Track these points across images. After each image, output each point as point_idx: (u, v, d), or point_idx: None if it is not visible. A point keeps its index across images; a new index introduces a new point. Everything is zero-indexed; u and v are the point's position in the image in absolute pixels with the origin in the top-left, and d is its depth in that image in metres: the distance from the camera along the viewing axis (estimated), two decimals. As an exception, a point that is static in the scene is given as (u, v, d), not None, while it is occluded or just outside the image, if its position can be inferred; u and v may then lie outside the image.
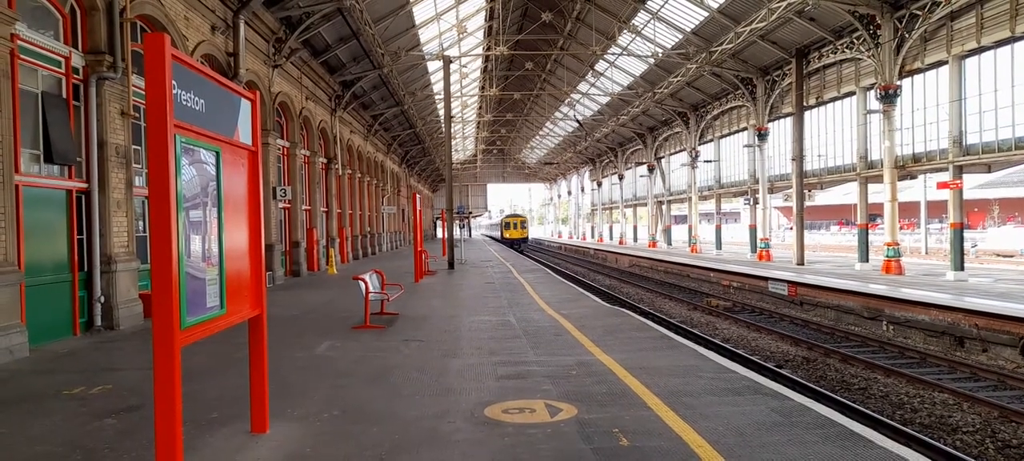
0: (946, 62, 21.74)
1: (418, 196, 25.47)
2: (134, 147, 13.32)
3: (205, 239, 4.93)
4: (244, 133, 5.69)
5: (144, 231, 13.93)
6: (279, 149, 24.06)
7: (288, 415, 6.47)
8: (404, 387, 7.65)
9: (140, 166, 13.89)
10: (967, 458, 8.07)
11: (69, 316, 11.66)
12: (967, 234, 31.59)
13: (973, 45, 20.55)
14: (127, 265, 12.67)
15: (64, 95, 11.69)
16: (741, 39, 27.80)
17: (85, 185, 11.99)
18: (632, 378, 7.79)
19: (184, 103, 4.58)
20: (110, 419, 6.50)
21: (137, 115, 13.38)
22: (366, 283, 12.22)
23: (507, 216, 72.82)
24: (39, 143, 11.02)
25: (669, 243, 51.46)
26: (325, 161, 30.22)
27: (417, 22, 30.70)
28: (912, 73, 23.31)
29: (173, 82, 4.33)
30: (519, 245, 65.44)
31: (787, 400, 6.87)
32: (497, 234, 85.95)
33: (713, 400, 6.85)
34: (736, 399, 6.88)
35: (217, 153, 5.10)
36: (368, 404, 6.92)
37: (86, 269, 11.99)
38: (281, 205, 23.60)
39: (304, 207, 26.58)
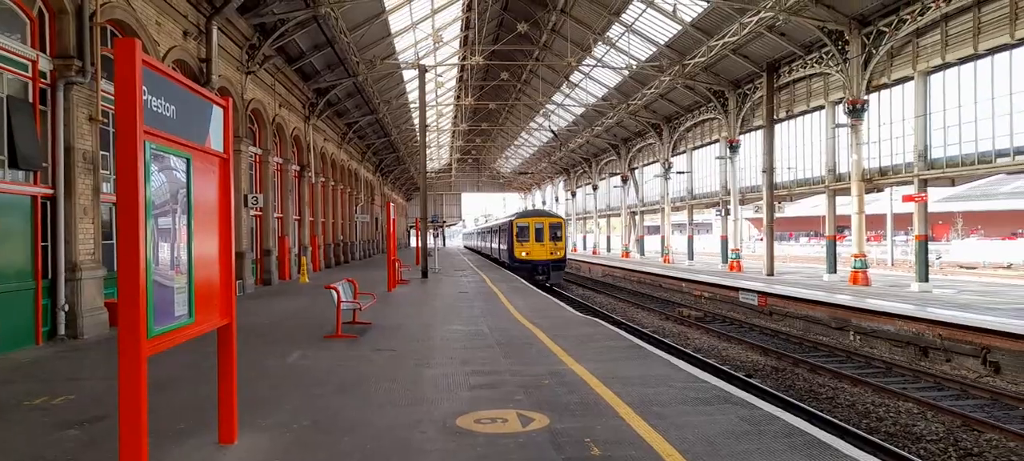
0: (912, 78, 22.25)
1: (392, 205, 25.36)
2: (102, 153, 13.10)
3: (174, 247, 4.87)
4: (215, 140, 5.63)
5: (111, 238, 13.69)
6: (251, 156, 23.81)
7: (257, 425, 6.39)
8: (376, 397, 7.61)
9: (108, 172, 13.66)
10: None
11: (32, 325, 11.40)
12: (932, 246, 32.27)
13: (938, 62, 21.07)
14: (93, 273, 12.44)
15: (30, 99, 11.47)
16: (714, 53, 28.19)
17: (51, 191, 11.76)
18: (604, 388, 7.83)
19: (154, 109, 4.53)
20: (73, 430, 6.37)
21: (106, 120, 13.17)
22: (338, 292, 12.14)
23: (522, 215, 34.97)
24: (3, 148, 10.79)
25: (642, 253, 51.81)
26: (298, 169, 29.98)
27: (393, 31, 30.65)
28: (879, 88, 23.82)
29: (143, 87, 4.29)
30: (545, 272, 32.48)
31: (756, 409, 6.95)
32: (486, 246, 54.03)
33: (684, 409, 6.91)
34: (706, 408, 6.95)
35: (187, 160, 5.05)
36: (339, 414, 6.87)
37: (50, 276, 11.74)
38: (253, 213, 23.34)
39: (276, 215, 26.31)
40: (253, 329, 13.08)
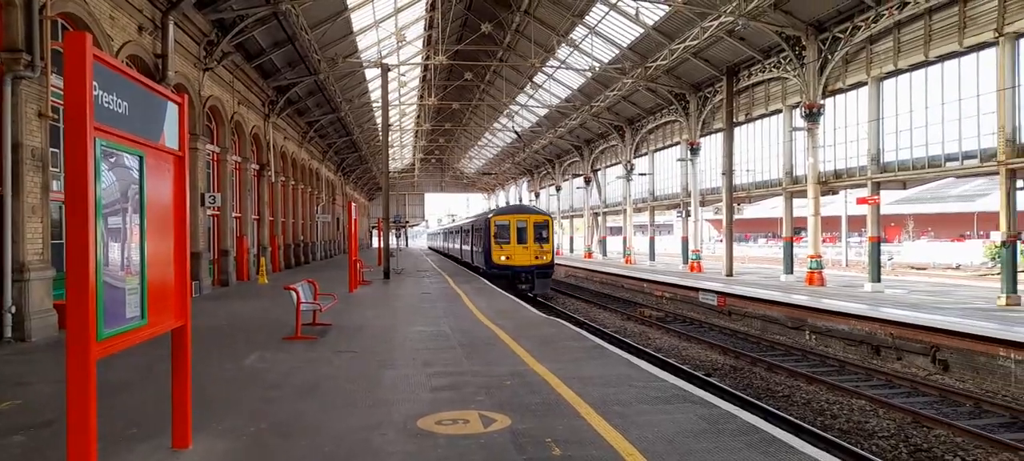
0: (866, 83, 22.83)
1: (354, 205, 25.12)
2: (52, 150, 12.71)
3: (125, 247, 4.74)
4: (170, 137, 5.50)
5: (61, 238, 13.28)
6: (209, 154, 23.36)
7: (213, 429, 6.26)
8: (336, 399, 7.52)
9: (58, 170, 13.26)
10: (882, 462, 8.44)
11: (-24, 327, 11.00)
12: (884, 247, 33.17)
13: (891, 68, 21.65)
14: (41, 273, 12.06)
15: (-25, 93, 11.07)
16: (675, 56, 28.54)
17: (-3, 189, 11.37)
18: (566, 388, 7.86)
19: (105, 105, 4.41)
20: (19, 436, 6.16)
21: (56, 116, 12.77)
22: (298, 293, 11.97)
23: (501, 212, 30.33)
24: (-54, 143, 10.39)
25: (604, 254, 52.20)
26: (257, 168, 29.50)
27: (355, 29, 30.34)
28: (835, 93, 24.39)
29: (94, 83, 4.17)
30: (529, 279, 27.44)
31: (714, 408, 7.05)
32: (454, 248, 47.34)
33: (644, 408, 6.97)
34: (666, 407, 7.03)
35: (140, 157, 4.93)
36: (298, 417, 6.77)
37: (-4, 277, 11.35)
38: (210, 212, 22.89)
39: (234, 214, 25.85)
40: (209, 331, 12.82)
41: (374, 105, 43.28)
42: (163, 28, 17.50)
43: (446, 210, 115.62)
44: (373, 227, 76.57)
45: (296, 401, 7.43)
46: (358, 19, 29.79)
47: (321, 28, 26.47)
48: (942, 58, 20.10)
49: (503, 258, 27.29)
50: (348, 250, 24.07)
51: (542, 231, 27.82)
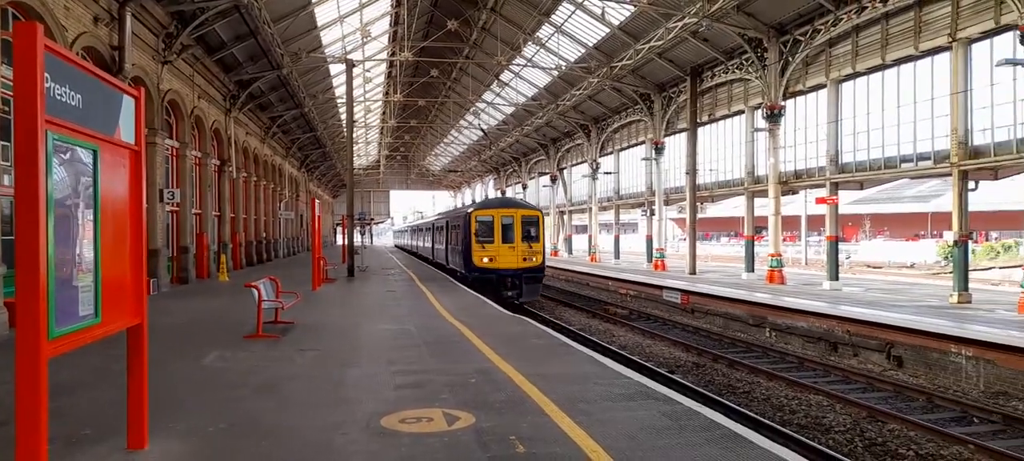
0: (825, 86, 23.31)
1: (317, 201, 24.84)
2: (1, 143, 12.32)
3: (79, 243, 4.61)
4: (126, 131, 5.37)
5: (11, 234, 12.87)
6: (168, 149, 22.87)
7: (170, 430, 6.14)
8: (297, 398, 7.42)
9: (8, 164, 12.86)
10: (838, 456, 8.64)
11: (-79, 326, 10.61)
12: (842, 247, 33.91)
13: (849, 71, 22.14)
14: (-9, 270, 11.68)
15: (-80, 83, 10.67)
16: (640, 56, 28.78)
17: (-57, 183, 10.97)
18: (530, 385, 7.87)
19: (58, 97, 4.28)
20: (-34, 438, 5.96)
21: (5, 109, 12.38)
22: (259, 290, 11.78)
23: (483, 205, 25.78)
24: None
25: (570, 252, 52.45)
26: (218, 163, 28.97)
27: (319, 23, 29.98)
28: (795, 95, 24.85)
29: (45, 75, 4.05)
30: (516, 286, 23.62)
31: (677, 404, 7.13)
32: (424, 246, 43.94)
33: (608, 406, 7.02)
34: (630, 404, 7.09)
35: (95, 152, 4.80)
36: (258, 416, 6.67)
37: (-57, 274, 10.96)
38: (169, 208, 22.42)
39: (194, 211, 25.35)
40: (168, 329, 12.56)
41: (339, 101, 42.82)
42: (120, 20, 17.07)
43: (412, 208, 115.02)
44: (337, 224, 75.47)
45: (256, 400, 7.32)
46: (322, 14, 29.45)
47: (284, 22, 26.10)
48: (898, 62, 20.62)
49: (486, 260, 23.42)
50: (312, 247, 23.78)
51: (531, 228, 24.00)
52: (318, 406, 7.06)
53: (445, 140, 71.58)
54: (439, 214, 42.99)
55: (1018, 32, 16.02)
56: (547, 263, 27.06)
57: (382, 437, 5.97)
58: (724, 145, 30.32)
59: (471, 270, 23.60)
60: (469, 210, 24.52)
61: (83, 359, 8.96)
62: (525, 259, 23.50)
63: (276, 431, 6.15)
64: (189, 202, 24.21)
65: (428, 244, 41.66)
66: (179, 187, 23.32)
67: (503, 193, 68.18)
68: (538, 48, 35.99)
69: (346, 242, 29.73)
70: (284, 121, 39.64)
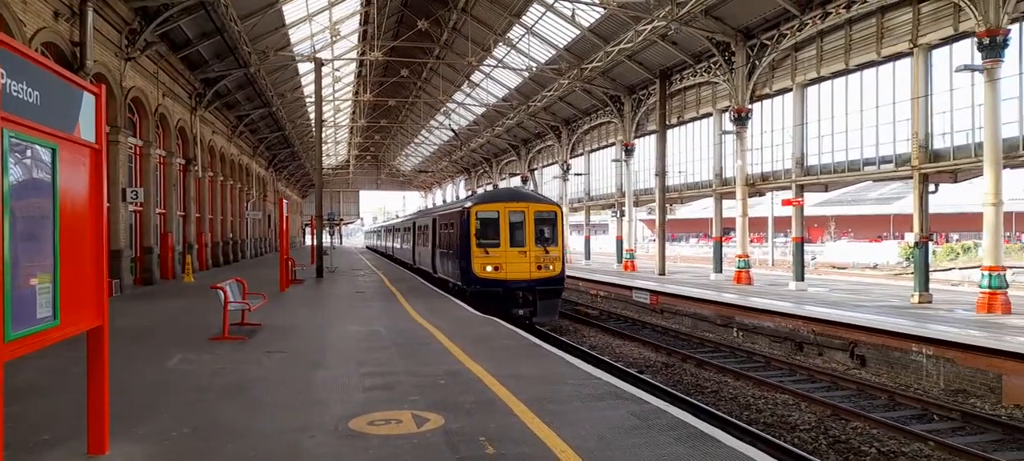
0: (791, 89, 23.70)
1: (285, 201, 24.54)
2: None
3: (37, 243, 4.49)
4: (87, 129, 5.24)
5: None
6: (131, 148, 22.43)
7: (132, 434, 6.01)
8: (265, 400, 7.32)
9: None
10: (804, 454, 8.78)
11: None
12: (807, 248, 34.52)
13: (814, 75, 22.53)
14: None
15: None
16: (610, 58, 28.97)
17: None
18: (500, 386, 7.86)
19: (14, 94, 4.16)
20: (-83, 445, 5.76)
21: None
22: (226, 292, 11.60)
23: (485, 199, 20.11)
24: None
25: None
26: (183, 162, 28.47)
27: (287, 21, 29.65)
28: (762, 98, 25.22)
29: (1, 70, 3.93)
30: (530, 302, 18.49)
31: (645, 404, 7.18)
32: (402, 248, 38.46)
33: (578, 406, 7.04)
34: (599, 405, 7.12)
35: (53, 150, 4.67)
36: (224, 420, 6.56)
37: None
38: (132, 208, 21.98)
39: (158, 210, 24.90)
40: (130, 331, 12.30)
41: (308, 100, 42.40)
42: (81, 15, 16.70)
43: (382, 207, 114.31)
44: (306, 224, 74.25)
45: (222, 403, 7.20)
46: (290, 12, 29.12)
47: (252, 19, 25.76)
48: (862, 67, 21.04)
49: (490, 269, 18.28)
50: (279, 248, 23.47)
51: (546, 227, 18.92)
52: (285, 409, 6.97)
53: (416, 140, 71.26)
54: (421, 211, 36.72)
55: (976, 39, 16.44)
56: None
57: (350, 439, 5.92)
58: (693, 147, 30.64)
59: (471, 282, 18.35)
60: (467, 204, 19.24)
61: (42, 362, 8.75)
62: (540, 267, 18.42)
63: (242, 434, 6.06)
64: (153, 201, 23.76)
65: (406, 246, 35.44)
66: (143, 186, 22.87)
67: (474, 194, 65.23)
68: (509, 49, 36.02)
69: (315, 243, 29.41)
70: (251, 120, 39.13)
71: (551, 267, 18.53)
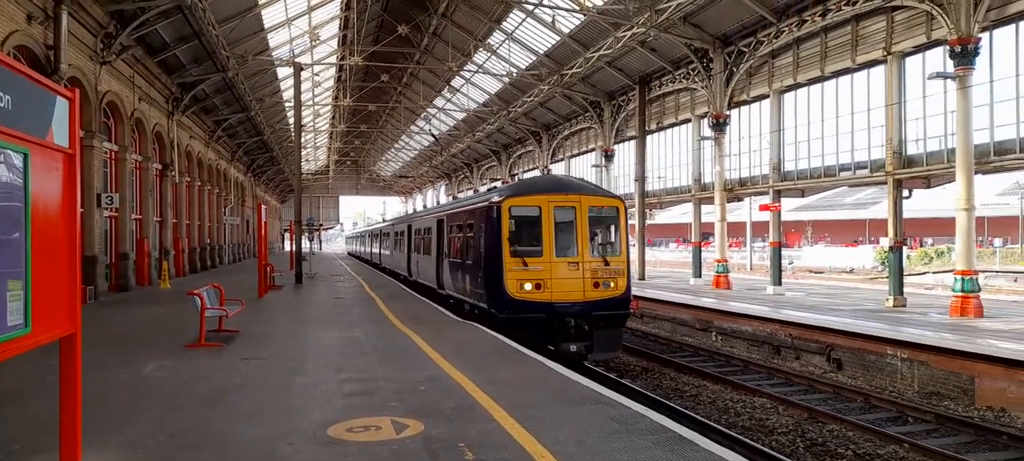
0: (768, 96, 23.97)
1: (264, 206, 24.35)
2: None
3: (8, 250, 4.42)
4: (60, 134, 5.16)
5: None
6: (106, 152, 22.13)
7: (106, 443, 5.92)
8: (241, 408, 7.25)
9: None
10: (781, 457, 8.86)
11: None
12: (785, 252, 34.87)
13: (790, 82, 22.82)
14: (-87, 278, 11.08)
15: None
16: (590, 64, 29.13)
17: None
18: (480, 392, 7.85)
19: (-16, 98, 4.09)
20: None
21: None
22: (202, 298, 11.48)
23: (521, 190, 14.73)
24: None
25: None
26: (160, 167, 28.14)
27: (266, 26, 29.45)
28: (740, 104, 25.47)
29: (-29, 74, 3.87)
30: (585, 333, 13.36)
31: (625, 408, 7.21)
32: (393, 256, 32.53)
33: (558, 411, 7.05)
34: (578, 409, 7.13)
35: (25, 155, 4.60)
36: (200, 427, 6.48)
37: None
38: (107, 214, 21.68)
39: (134, 216, 24.58)
40: (105, 338, 12.12)
41: (287, 105, 42.10)
42: (55, 18, 16.46)
43: (362, 213, 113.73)
44: (285, 230, 73.28)
45: (198, 411, 7.11)
46: (269, 16, 28.94)
47: (230, 23, 25.55)
48: (837, 74, 21.34)
49: (529, 287, 13.48)
50: (258, 254, 23.28)
51: (606, 228, 14.48)
52: (263, 416, 6.91)
53: (396, 145, 71.07)
54: (423, 210, 30.76)
55: (948, 47, 16.75)
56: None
57: (329, 447, 5.87)
58: (672, 153, 30.86)
59: (502, 305, 13.54)
60: (495, 198, 14.22)
61: (16, 369, 8.60)
62: (597, 284, 13.68)
63: (219, 442, 5.99)
64: (129, 207, 23.45)
65: (398, 254, 29.80)
66: (118, 191, 22.56)
67: (454, 199, 56.50)
68: (489, 55, 36.07)
69: (294, 248, 29.18)
70: (230, 125, 38.78)
71: (612, 284, 13.74)
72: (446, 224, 18.58)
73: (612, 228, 14.36)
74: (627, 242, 14.34)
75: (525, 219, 13.80)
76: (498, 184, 25.38)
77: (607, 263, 13.75)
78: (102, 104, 20.67)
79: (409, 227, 27.02)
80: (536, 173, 44.66)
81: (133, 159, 24.44)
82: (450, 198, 45.99)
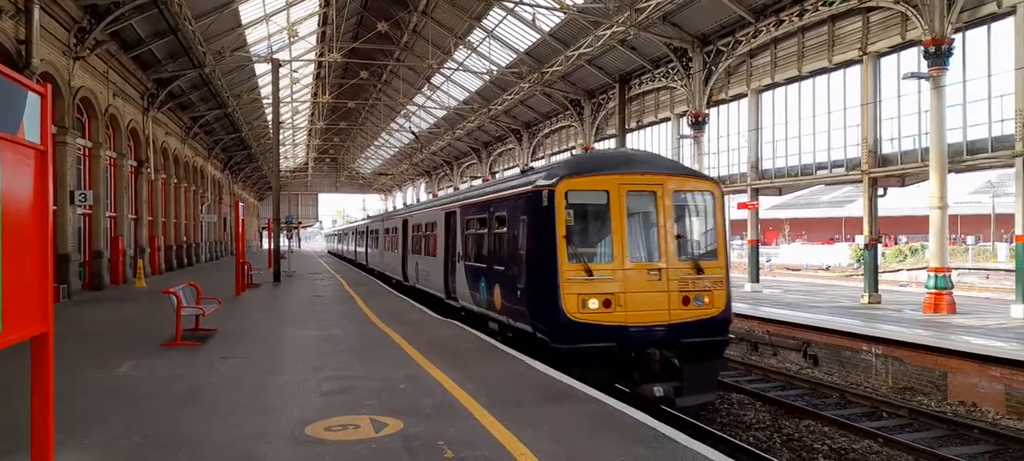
0: (746, 95, 24.18)
1: (241, 204, 24.10)
2: None
3: (-24, 248, 4.33)
4: (31, 130, 5.05)
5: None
6: (80, 149, 21.78)
7: (79, 444, 5.82)
8: (218, 407, 7.17)
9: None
10: (759, 452, 8.94)
11: None
12: (762, 250, 35.19)
13: (768, 81, 23.04)
14: None
15: None
16: (570, 62, 29.17)
17: None
18: (460, 389, 7.84)
19: (-48, 92, 4.01)
20: None
21: None
22: (179, 296, 11.34)
23: (581, 168, 10.49)
24: None
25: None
26: (135, 164, 27.75)
27: (244, 21, 29.14)
28: (718, 103, 25.68)
29: (-63, 67, 3.79)
30: (674, 371, 9.63)
31: (604, 406, 7.23)
32: (380, 258, 29.61)
33: (537, 409, 7.05)
34: (558, 407, 7.14)
35: (-6, 151, 4.51)
36: (175, 427, 6.40)
37: None
38: (81, 211, 21.34)
39: (109, 213, 24.23)
40: (78, 338, 11.93)
41: (265, 101, 41.72)
42: (27, 12, 16.17)
43: (341, 211, 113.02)
44: (263, 228, 72.72)
45: (174, 411, 7.03)
46: (247, 12, 28.64)
47: (207, 19, 25.25)
48: (814, 73, 21.58)
49: (594, 304, 9.83)
50: (235, 252, 23.05)
51: (696, 220, 10.90)
52: (240, 415, 6.84)
53: (375, 143, 70.75)
54: (428, 202, 25.56)
55: (922, 47, 16.99)
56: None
57: (306, 446, 5.83)
58: (651, 150, 30.98)
59: (560, 329, 9.83)
60: (544, 180, 10.46)
61: (-17, 371, 8.45)
62: (688, 300, 10.15)
63: (194, 442, 5.92)
64: (103, 204, 23.12)
65: (393, 254, 25.53)
66: (92, 189, 22.22)
67: (434, 197, 49.48)
68: (469, 52, 35.99)
69: (272, 246, 28.92)
70: (206, 121, 38.35)
71: (707, 300, 10.11)
72: (461, 218, 15.03)
73: (706, 221, 10.68)
74: (726, 241, 10.89)
75: (587, 209, 10.12)
76: (537, 163, 19.87)
77: (701, 270, 10.08)
78: (75, 100, 20.34)
79: (405, 222, 23.17)
80: (517, 171, 44.26)
81: (107, 156, 24.08)
82: (415, 199, 42.39)
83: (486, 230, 12.89)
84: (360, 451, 5.65)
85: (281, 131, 40.05)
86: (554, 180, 9.98)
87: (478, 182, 46.14)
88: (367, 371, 9.04)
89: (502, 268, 11.67)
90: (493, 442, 5.89)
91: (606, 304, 9.70)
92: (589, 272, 9.69)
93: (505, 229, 11.68)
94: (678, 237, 10.14)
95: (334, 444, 5.85)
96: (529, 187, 10.75)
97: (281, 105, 33.66)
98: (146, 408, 7.14)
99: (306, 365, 9.52)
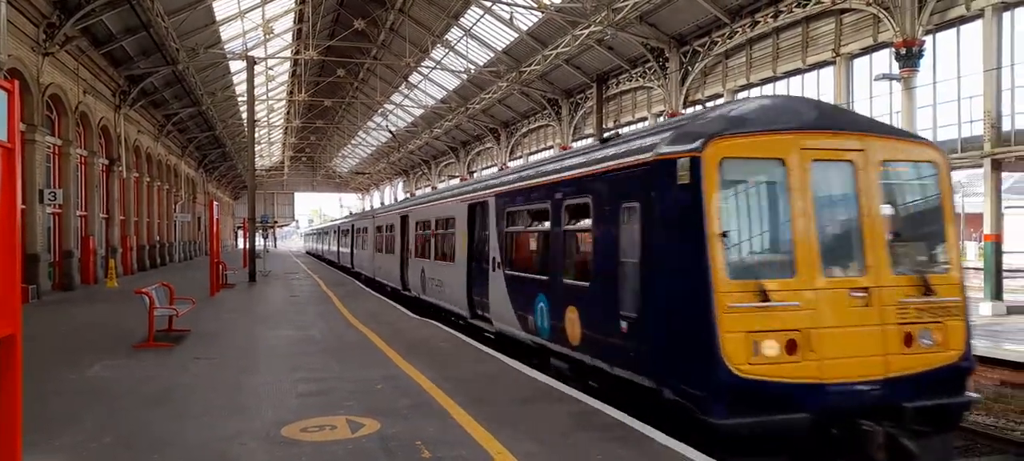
0: (722, 95, 24.39)
1: (216, 203, 23.83)
2: None
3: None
4: (-3, 126, 4.96)
5: None
6: (49, 147, 21.36)
7: (48, 446, 5.71)
8: (191, 408, 7.07)
9: None
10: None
11: None
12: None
13: (743, 82, 23.27)
14: None
15: None
16: (548, 62, 29.23)
17: None
18: (437, 390, 7.81)
19: (-85, 88, 3.90)
20: None
21: None
22: (151, 297, 11.17)
23: (744, 123, 6.33)
24: None
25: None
26: (106, 162, 27.28)
27: (218, 18, 28.78)
28: (694, 103, 25.87)
29: (-101, 61, 3.69)
30: (893, 444, 5.69)
31: (583, 405, 7.25)
32: (375, 263, 24.71)
33: (515, 408, 7.05)
34: (537, 406, 7.14)
35: (-41, 148, 4.40)
36: (147, 429, 6.31)
37: None
38: (50, 210, 20.94)
39: (79, 212, 23.79)
40: (48, 339, 11.71)
41: (240, 99, 41.25)
42: (-6, 6, 15.81)
43: (318, 209, 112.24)
44: (239, 227, 71.96)
45: (146, 412, 6.92)
46: (221, 8, 28.30)
47: (180, 15, 24.89)
48: (788, 74, 21.86)
49: (772, 349, 5.80)
50: (210, 251, 22.76)
51: (923, 210, 6.87)
52: (214, 416, 6.75)
53: (352, 141, 70.31)
54: (437, 192, 20.88)
55: (894, 49, 17.27)
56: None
57: (282, 447, 5.77)
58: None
59: (720, 389, 5.88)
60: (677, 144, 6.46)
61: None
62: (911, 338, 6.21)
63: (167, 444, 5.83)
64: (74, 203, 22.70)
65: (388, 257, 22.13)
66: (62, 187, 21.82)
67: (412, 196, 41.20)
68: (447, 51, 35.91)
69: (247, 246, 28.62)
70: (180, 119, 37.83)
71: (937, 337, 6.37)
72: (498, 210, 11.24)
73: (930, 208, 6.89)
74: (959, 239, 7.39)
75: (750, 189, 6.44)
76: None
77: (928, 289, 6.35)
78: (44, 97, 19.95)
79: (405, 219, 19.32)
80: (495, 170, 44.06)
81: (78, 154, 23.65)
82: (393, 199, 36.30)
83: (548, 226, 9.27)
84: (337, 452, 5.61)
85: (256, 129, 39.65)
86: (698, 142, 6.16)
87: (492, 169, 43.88)
88: (344, 372, 8.98)
89: (585, 283, 8.15)
90: (471, 442, 5.88)
91: (791, 348, 5.90)
92: (764, 295, 5.91)
93: (589, 223, 8.04)
94: (894, 236, 6.56)
95: (310, 445, 5.80)
96: (648, 156, 6.76)
97: (256, 103, 33.29)
98: (118, 409, 7.03)
99: (282, 366, 9.43)
